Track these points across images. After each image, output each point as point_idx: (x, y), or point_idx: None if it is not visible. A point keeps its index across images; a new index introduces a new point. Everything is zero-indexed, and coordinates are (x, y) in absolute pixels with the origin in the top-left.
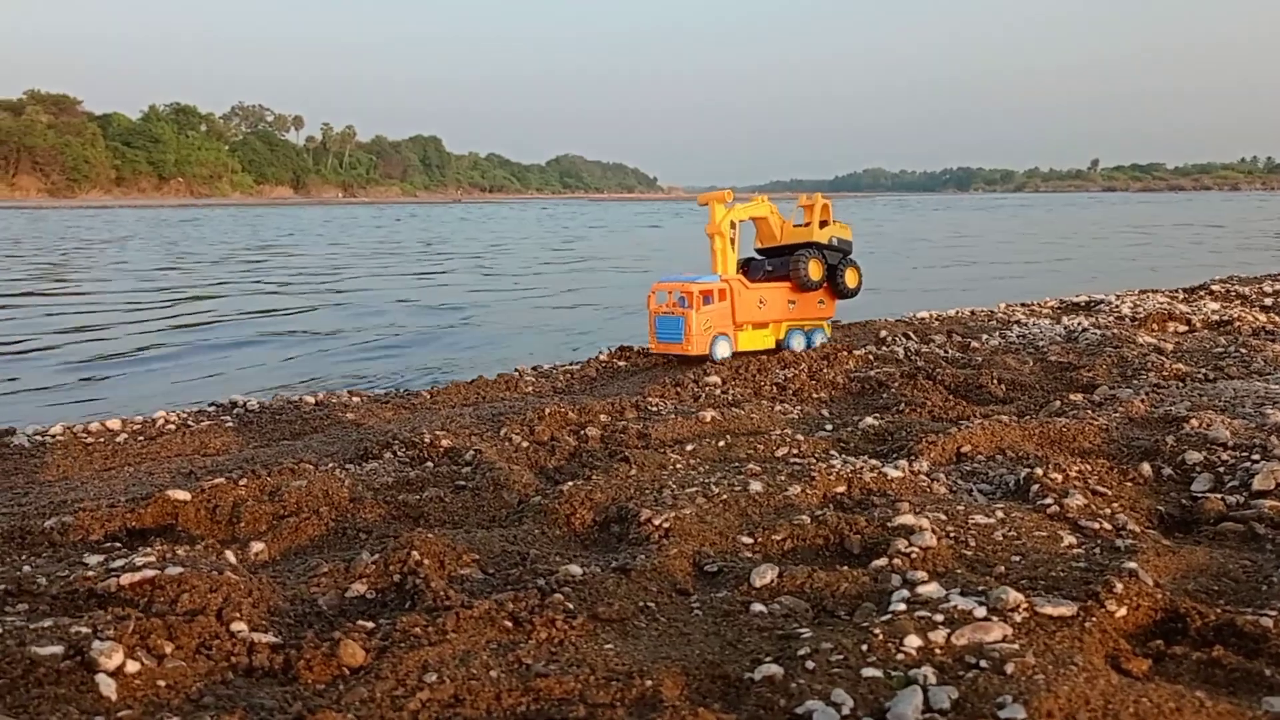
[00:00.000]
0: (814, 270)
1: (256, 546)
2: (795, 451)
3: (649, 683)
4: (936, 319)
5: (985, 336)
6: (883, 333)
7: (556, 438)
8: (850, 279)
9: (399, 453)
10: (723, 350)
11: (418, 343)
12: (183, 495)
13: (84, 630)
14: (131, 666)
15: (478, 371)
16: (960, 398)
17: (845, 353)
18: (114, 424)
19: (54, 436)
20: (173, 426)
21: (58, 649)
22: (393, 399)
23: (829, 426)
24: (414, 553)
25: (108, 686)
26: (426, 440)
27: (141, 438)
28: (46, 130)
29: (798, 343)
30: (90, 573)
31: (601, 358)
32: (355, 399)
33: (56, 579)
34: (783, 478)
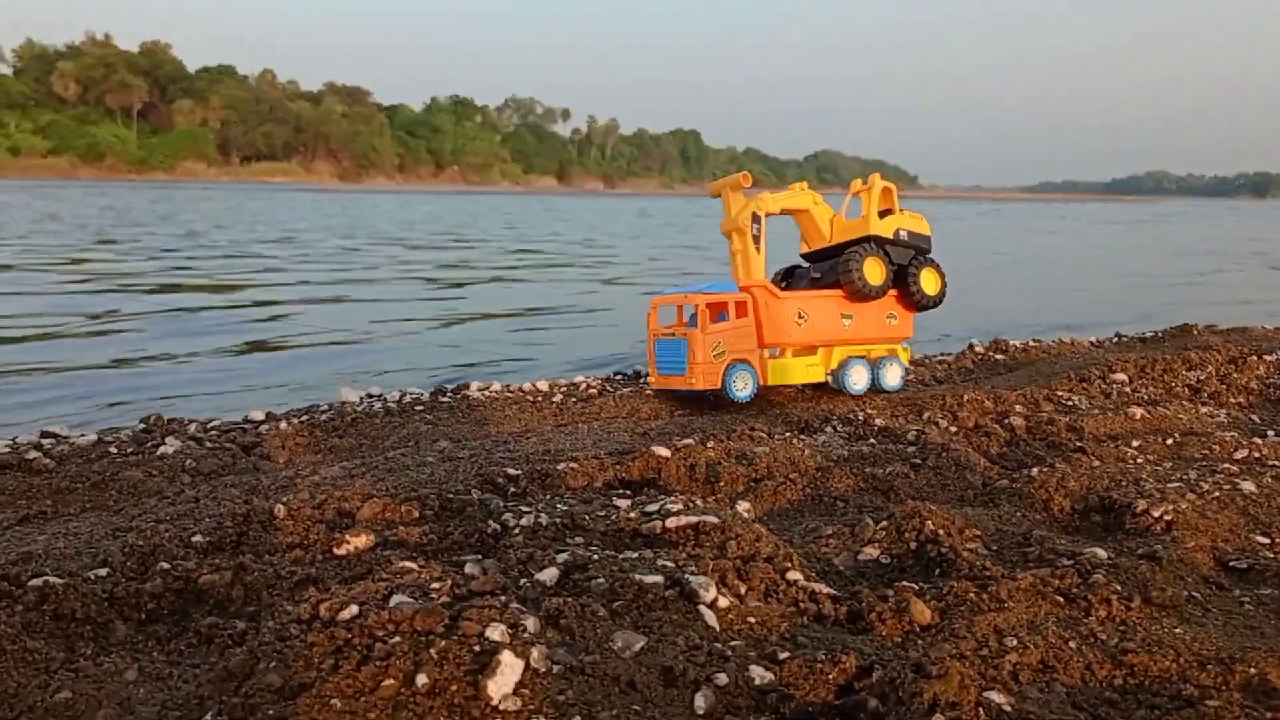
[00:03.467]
0: (872, 271)
1: (743, 505)
2: (1258, 455)
3: (1251, 670)
4: None
5: None
6: None
7: (981, 425)
8: (928, 283)
9: (838, 428)
10: (743, 386)
11: None
12: (664, 452)
13: (669, 564)
14: (722, 601)
15: None
16: None
17: (1254, 357)
18: (543, 385)
19: (497, 393)
20: (595, 391)
21: (658, 578)
22: None
23: (1270, 432)
24: (928, 523)
25: (710, 617)
26: (861, 418)
27: (574, 399)
28: (341, 119)
29: (857, 378)
30: (631, 515)
31: (977, 349)
32: None
33: (597, 518)
34: (1269, 480)
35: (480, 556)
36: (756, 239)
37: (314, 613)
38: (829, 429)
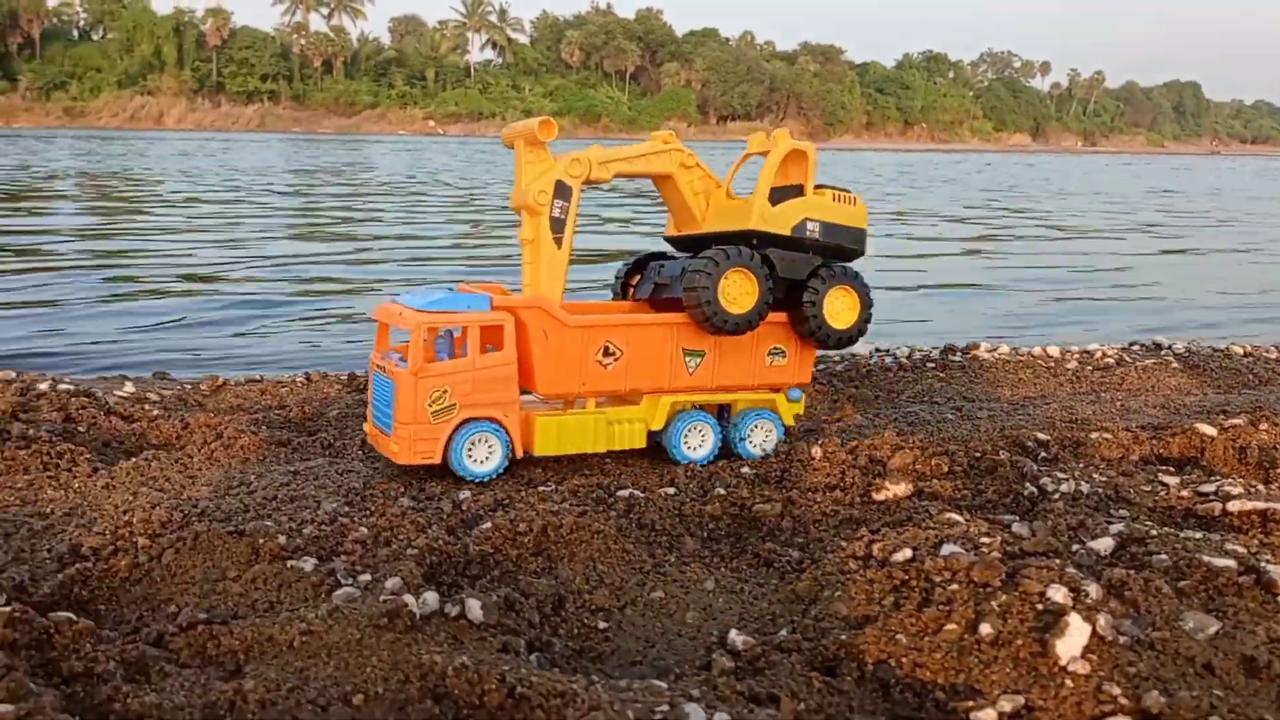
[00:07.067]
0: (734, 293)
1: None
2: None
3: None
4: None
5: None
6: None
7: None
8: (836, 310)
9: None
10: (482, 458)
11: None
12: (1210, 430)
13: (1239, 549)
14: None
15: None
16: None
17: None
18: (1053, 350)
19: (1006, 355)
20: (1111, 360)
21: (1230, 562)
22: None
23: None
24: None
25: None
26: None
27: (1089, 367)
28: (812, 78)
29: (695, 445)
30: (1183, 493)
31: None
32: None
33: (1142, 492)
34: None
35: (1018, 517)
36: (558, 224)
37: (868, 551)
38: None
